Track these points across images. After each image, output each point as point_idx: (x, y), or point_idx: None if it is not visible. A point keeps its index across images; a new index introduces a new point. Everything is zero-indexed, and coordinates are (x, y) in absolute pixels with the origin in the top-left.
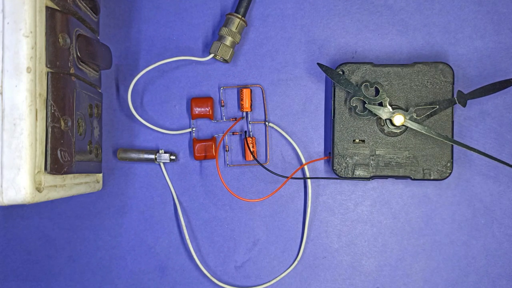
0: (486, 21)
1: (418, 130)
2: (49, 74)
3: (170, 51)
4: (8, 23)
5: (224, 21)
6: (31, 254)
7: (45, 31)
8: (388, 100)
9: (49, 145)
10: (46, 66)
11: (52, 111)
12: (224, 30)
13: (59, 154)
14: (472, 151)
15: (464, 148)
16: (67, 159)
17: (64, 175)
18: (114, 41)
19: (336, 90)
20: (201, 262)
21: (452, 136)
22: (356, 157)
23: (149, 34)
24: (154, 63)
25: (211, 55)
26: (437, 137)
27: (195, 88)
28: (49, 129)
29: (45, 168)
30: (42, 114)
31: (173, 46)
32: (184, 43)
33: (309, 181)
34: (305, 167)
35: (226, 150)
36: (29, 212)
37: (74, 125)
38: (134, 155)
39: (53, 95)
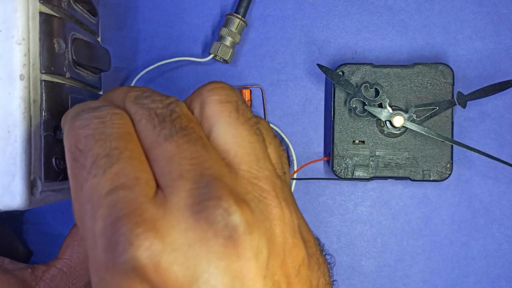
0: (486, 22)
1: (418, 131)
2: (43, 83)
3: (170, 52)
4: (0, 30)
5: (224, 21)
6: (33, 254)
7: (38, 37)
8: (388, 101)
9: (43, 153)
10: (41, 72)
11: (45, 119)
12: (224, 31)
13: (54, 162)
14: (472, 151)
15: (464, 149)
16: (63, 166)
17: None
18: (114, 42)
19: (336, 91)
20: None
21: (452, 137)
22: (356, 158)
23: (149, 35)
24: (154, 63)
25: (211, 56)
26: (437, 138)
27: (195, 88)
28: (43, 138)
29: (40, 176)
30: (36, 121)
31: (173, 46)
32: (184, 43)
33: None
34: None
35: None
36: (31, 212)
37: None
38: None
39: (47, 103)
